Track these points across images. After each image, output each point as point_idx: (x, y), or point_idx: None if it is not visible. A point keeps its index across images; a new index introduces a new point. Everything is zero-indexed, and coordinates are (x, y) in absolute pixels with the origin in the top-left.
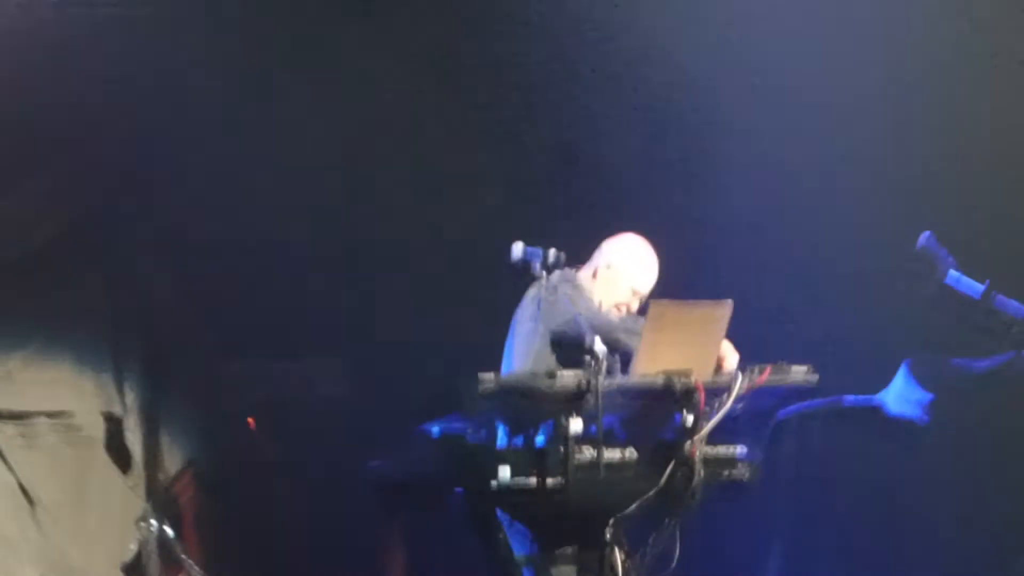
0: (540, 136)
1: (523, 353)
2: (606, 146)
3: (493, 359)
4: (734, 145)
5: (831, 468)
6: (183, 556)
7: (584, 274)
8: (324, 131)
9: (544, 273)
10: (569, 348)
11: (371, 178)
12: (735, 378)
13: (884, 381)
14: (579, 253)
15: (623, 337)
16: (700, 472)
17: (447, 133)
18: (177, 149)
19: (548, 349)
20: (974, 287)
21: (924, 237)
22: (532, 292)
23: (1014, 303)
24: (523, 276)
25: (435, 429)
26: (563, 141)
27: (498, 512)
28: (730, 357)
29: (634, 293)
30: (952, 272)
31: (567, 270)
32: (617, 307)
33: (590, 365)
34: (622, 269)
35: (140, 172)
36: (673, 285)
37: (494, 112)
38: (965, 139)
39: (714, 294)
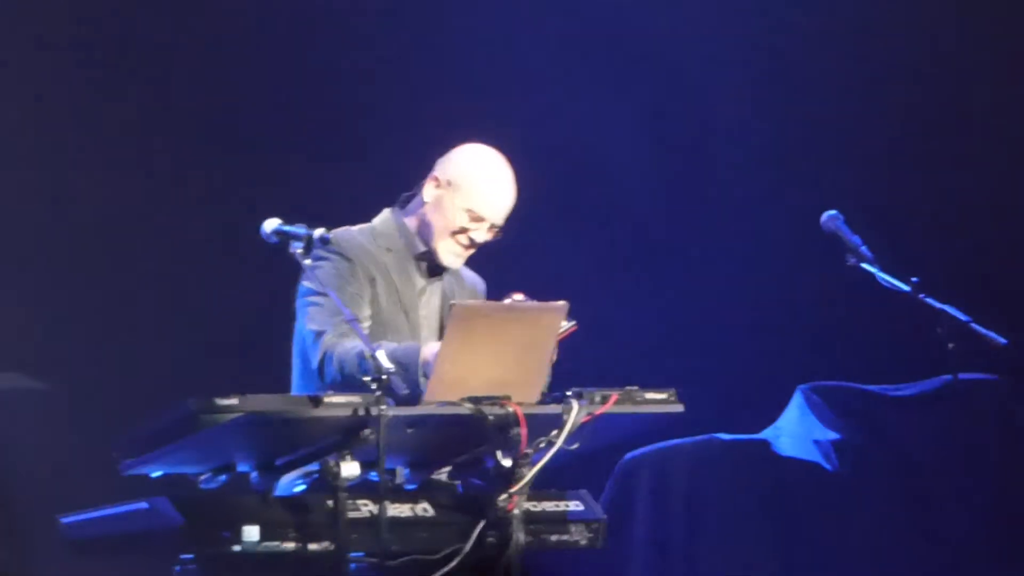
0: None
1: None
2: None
3: (240, 380)
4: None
5: (699, 527)
6: None
7: (388, 215)
8: None
9: (305, 259)
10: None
11: None
12: (568, 407)
13: (772, 414)
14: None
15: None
16: (520, 536)
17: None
18: None
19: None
20: (898, 285)
21: (829, 215)
22: None
23: (950, 309)
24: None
25: (154, 470)
26: None
27: None
28: None
29: (472, 218)
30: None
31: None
32: (454, 236)
33: (370, 386)
34: (460, 185)
35: None
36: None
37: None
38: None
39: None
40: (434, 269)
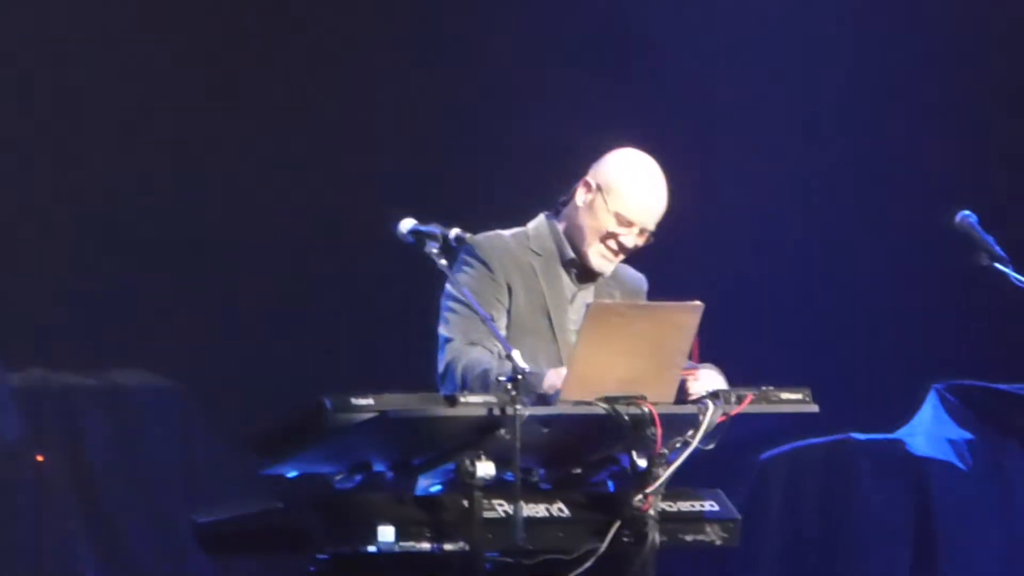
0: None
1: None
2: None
3: (372, 378)
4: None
5: (835, 525)
6: None
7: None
8: None
9: (441, 258)
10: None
11: None
12: (704, 407)
13: (907, 414)
14: None
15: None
16: (655, 535)
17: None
18: None
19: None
20: None
21: (962, 215)
22: None
23: None
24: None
25: (290, 470)
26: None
27: None
28: (706, 380)
29: (621, 222)
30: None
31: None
32: (603, 241)
33: (506, 386)
34: (610, 189)
35: None
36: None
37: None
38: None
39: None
40: (585, 274)
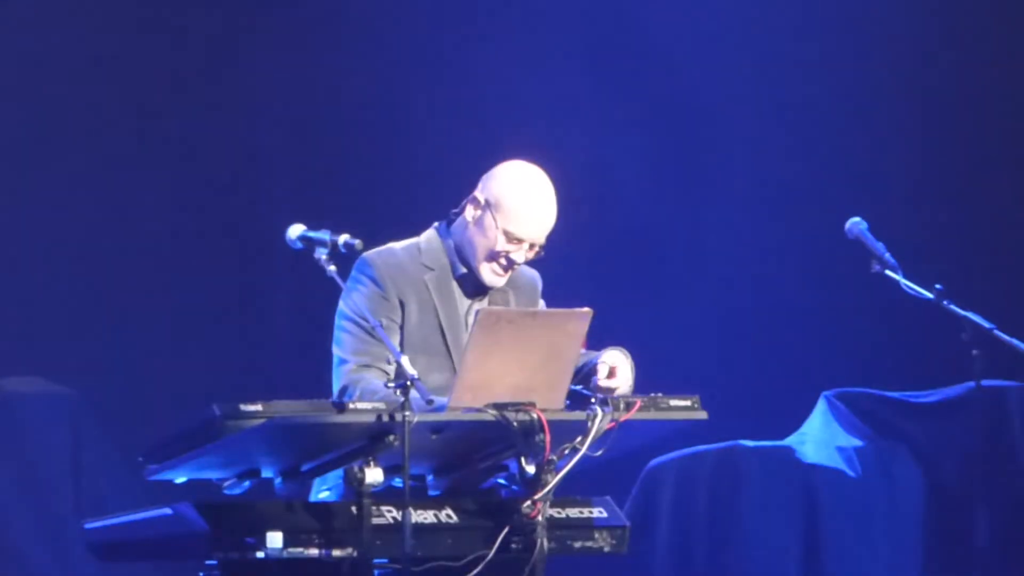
0: None
1: None
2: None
3: (267, 385)
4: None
5: (724, 533)
6: None
7: (426, 236)
8: None
9: (330, 264)
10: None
11: None
12: (592, 414)
13: (796, 421)
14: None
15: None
16: (544, 542)
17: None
18: None
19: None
20: (921, 292)
21: (852, 222)
22: None
23: (974, 316)
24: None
25: (179, 475)
26: None
27: None
28: (622, 374)
29: (510, 239)
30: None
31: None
32: (494, 259)
33: (395, 392)
34: (499, 206)
35: None
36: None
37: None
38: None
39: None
40: (478, 288)
